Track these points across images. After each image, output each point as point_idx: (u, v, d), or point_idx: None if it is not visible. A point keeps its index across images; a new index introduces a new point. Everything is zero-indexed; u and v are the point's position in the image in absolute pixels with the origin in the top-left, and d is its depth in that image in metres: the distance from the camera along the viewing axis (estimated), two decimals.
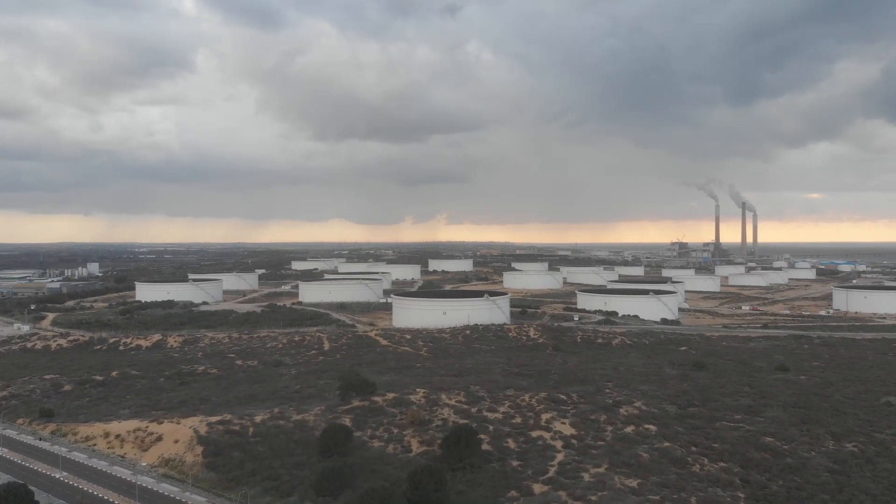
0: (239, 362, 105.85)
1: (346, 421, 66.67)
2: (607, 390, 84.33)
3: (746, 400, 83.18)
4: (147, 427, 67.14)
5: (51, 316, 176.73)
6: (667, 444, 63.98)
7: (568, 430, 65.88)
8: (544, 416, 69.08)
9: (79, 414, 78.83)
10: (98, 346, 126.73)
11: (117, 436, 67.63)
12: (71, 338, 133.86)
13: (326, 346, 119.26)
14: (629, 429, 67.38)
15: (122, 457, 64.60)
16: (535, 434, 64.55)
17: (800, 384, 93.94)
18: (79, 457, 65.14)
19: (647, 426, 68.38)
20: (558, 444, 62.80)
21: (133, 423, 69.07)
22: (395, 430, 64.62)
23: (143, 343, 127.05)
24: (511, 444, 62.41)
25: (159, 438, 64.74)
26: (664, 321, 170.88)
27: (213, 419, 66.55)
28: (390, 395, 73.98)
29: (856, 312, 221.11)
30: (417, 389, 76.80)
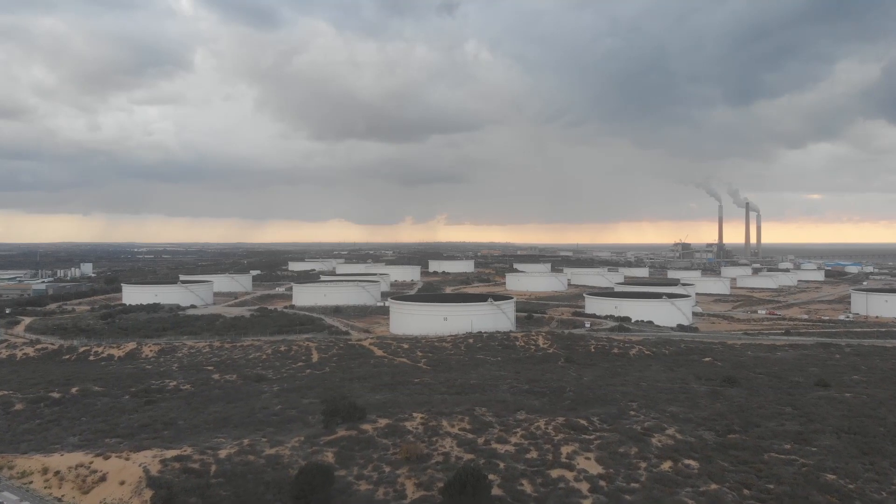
0: (216, 376, 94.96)
1: (329, 456, 55.88)
2: (632, 412, 73.64)
3: (793, 424, 72.28)
4: (91, 463, 56.24)
5: (26, 320, 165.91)
6: (714, 485, 53.13)
7: (594, 468, 55.01)
8: (564, 450, 58.24)
9: (22, 441, 68.04)
10: (67, 356, 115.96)
11: (56, 472, 56.67)
12: (39, 346, 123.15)
13: (315, 357, 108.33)
14: (666, 465, 56.54)
15: (60, 500, 53.70)
16: (554, 473, 53.66)
17: (847, 403, 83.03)
18: (9, 498, 54.27)
19: (686, 461, 57.60)
20: (584, 486, 51.96)
21: (76, 457, 58.15)
22: (387, 469, 53.74)
23: (116, 352, 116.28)
24: (527, 486, 51.55)
25: (103, 478, 53.84)
26: (680, 327, 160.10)
27: (169, 454, 55.70)
28: (382, 422, 63.18)
29: (876, 317, 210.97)
30: (414, 414, 66.02)
